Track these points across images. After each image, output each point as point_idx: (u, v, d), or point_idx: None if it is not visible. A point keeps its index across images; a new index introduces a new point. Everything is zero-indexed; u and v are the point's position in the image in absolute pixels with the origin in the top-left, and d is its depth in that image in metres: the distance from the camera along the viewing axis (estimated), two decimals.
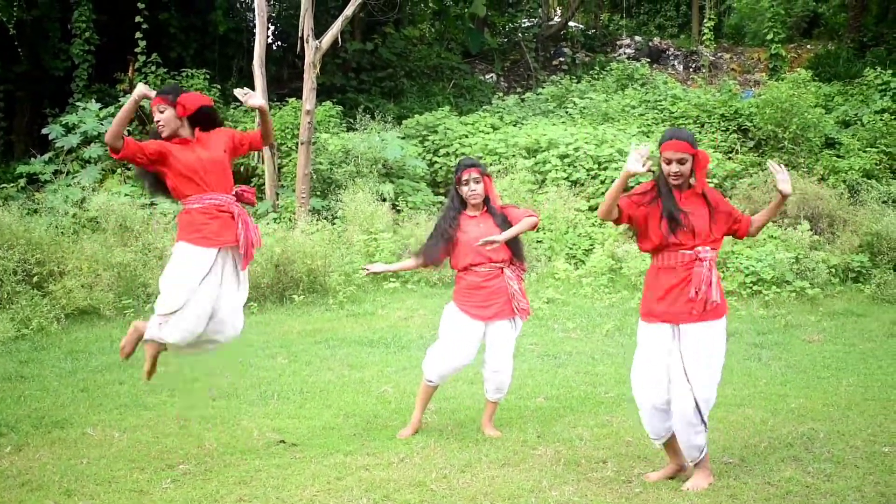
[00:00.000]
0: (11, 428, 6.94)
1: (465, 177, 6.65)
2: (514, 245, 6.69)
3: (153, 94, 5.98)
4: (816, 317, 11.08)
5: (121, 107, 16.05)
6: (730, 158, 16.11)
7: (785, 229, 13.26)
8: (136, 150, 5.85)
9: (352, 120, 18.10)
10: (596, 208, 14.61)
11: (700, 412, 5.37)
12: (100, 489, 5.58)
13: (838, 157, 16.34)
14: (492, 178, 6.86)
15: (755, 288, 11.83)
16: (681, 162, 5.40)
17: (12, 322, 10.45)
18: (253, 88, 16.43)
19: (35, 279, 11.40)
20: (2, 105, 19.33)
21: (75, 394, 8.09)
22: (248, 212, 6.12)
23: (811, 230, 13.21)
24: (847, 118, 18.14)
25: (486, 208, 6.72)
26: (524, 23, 29.44)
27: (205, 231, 5.91)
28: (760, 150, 16.66)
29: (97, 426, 6.96)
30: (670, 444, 5.66)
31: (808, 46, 25.85)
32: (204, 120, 6.10)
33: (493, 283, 6.61)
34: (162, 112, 5.96)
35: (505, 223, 6.63)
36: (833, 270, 12.54)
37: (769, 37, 22.83)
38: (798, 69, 19.76)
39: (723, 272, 12.19)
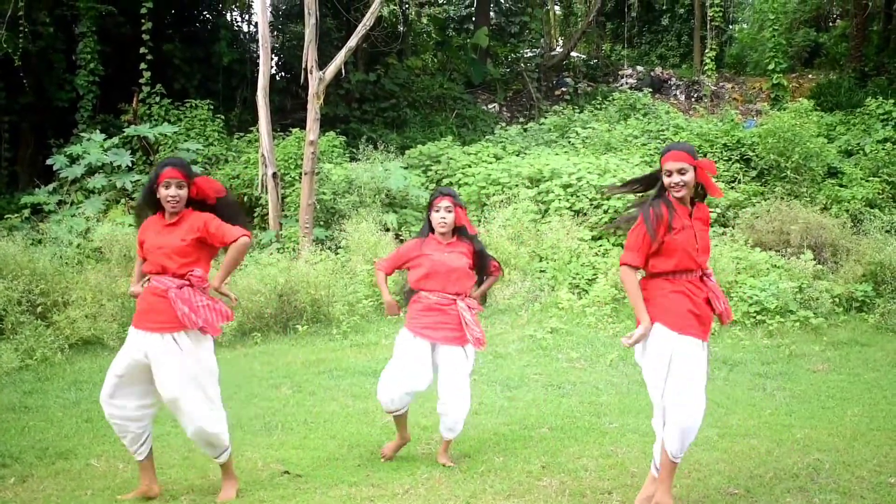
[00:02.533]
0: (15, 459, 6.93)
1: (437, 203, 6.79)
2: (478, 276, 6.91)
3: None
4: (821, 346, 11.06)
5: (126, 140, 16.03)
6: (732, 188, 16.12)
7: (788, 259, 13.25)
8: None
9: (355, 150, 18.16)
10: (599, 238, 14.62)
11: None
12: None
13: (841, 186, 16.36)
14: (465, 210, 6.94)
15: (759, 317, 11.81)
16: (681, 172, 5.40)
17: (16, 352, 10.45)
18: (256, 119, 16.53)
19: (39, 309, 11.41)
20: (6, 136, 19.43)
21: (79, 424, 8.08)
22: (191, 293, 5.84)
23: (814, 259, 13.20)
24: (849, 147, 18.19)
25: (457, 237, 6.84)
26: (526, 53, 29.59)
27: (137, 311, 5.93)
28: (763, 180, 16.67)
29: (101, 457, 6.95)
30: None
31: (810, 76, 25.97)
32: (202, 206, 6.02)
33: (447, 309, 6.67)
34: (180, 188, 5.84)
35: (478, 254, 6.83)
36: (837, 300, 12.52)
37: (771, 66, 22.94)
38: (800, 99, 19.85)
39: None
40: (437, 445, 7.14)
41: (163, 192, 5.81)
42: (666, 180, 5.46)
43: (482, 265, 6.91)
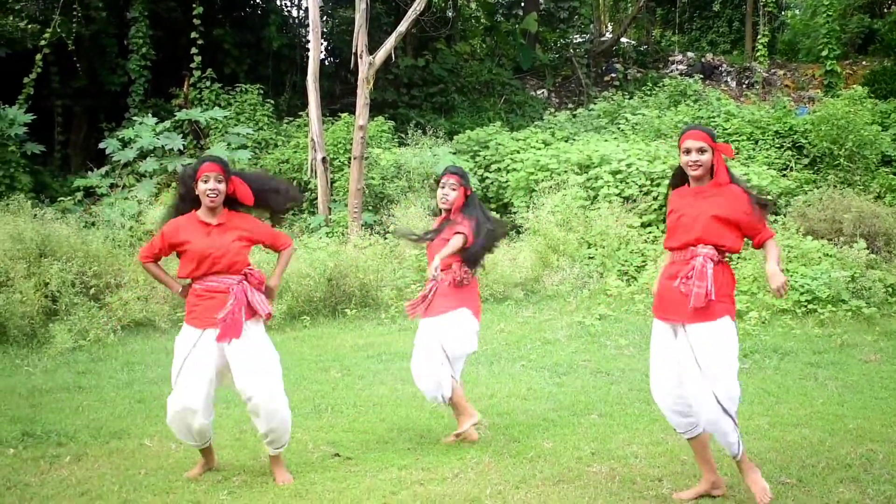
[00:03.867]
0: (70, 438, 7.04)
1: (443, 181, 6.92)
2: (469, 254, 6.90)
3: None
4: (873, 336, 10.91)
5: (177, 124, 16.17)
6: (784, 175, 15.95)
7: (841, 247, 13.09)
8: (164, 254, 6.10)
9: (403, 135, 18.18)
10: (648, 225, 14.53)
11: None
12: (157, 500, 5.63)
13: (895, 174, 16.13)
14: (469, 192, 6.97)
15: (810, 307, 11.68)
16: (700, 151, 5.39)
17: (70, 333, 10.61)
18: (305, 104, 16.60)
19: (92, 291, 11.56)
20: (60, 119, 19.65)
21: (132, 405, 8.18)
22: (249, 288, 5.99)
23: (867, 248, 13.02)
24: None
25: (445, 215, 6.95)
26: (575, 39, 29.45)
27: (195, 312, 5.96)
28: (815, 168, 16.49)
29: (154, 437, 7.04)
30: (702, 455, 5.62)
31: (864, 63, 25.58)
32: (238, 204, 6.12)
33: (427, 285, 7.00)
34: (219, 183, 5.90)
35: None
36: (890, 290, 12.35)
37: (824, 53, 22.64)
38: (853, 86, 19.57)
39: None
40: (486, 430, 7.17)
41: (202, 187, 5.87)
42: (683, 158, 5.46)
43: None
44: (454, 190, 6.84)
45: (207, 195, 5.87)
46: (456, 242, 6.73)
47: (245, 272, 5.96)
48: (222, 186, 5.90)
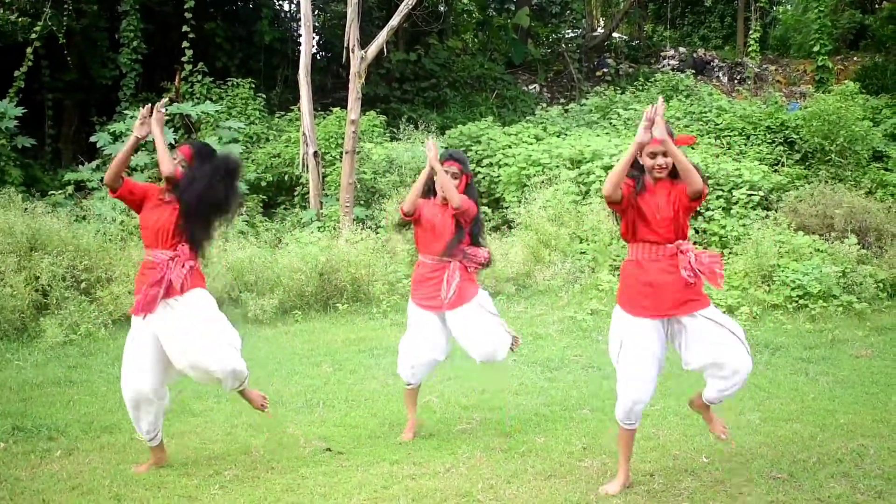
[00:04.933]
0: (61, 432, 7.03)
1: (444, 167, 6.69)
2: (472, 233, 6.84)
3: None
4: (864, 332, 10.94)
5: (168, 117, 16.07)
6: (775, 171, 15.96)
7: (832, 243, 13.11)
8: (126, 192, 6.07)
9: (395, 130, 18.16)
10: None
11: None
12: (149, 494, 5.63)
13: (886, 170, 16.16)
14: (470, 178, 6.86)
15: (801, 302, 11.71)
16: (665, 154, 5.45)
17: (61, 327, 10.58)
18: (297, 98, 16.57)
19: (83, 285, 11.52)
20: (50, 113, 19.57)
21: (123, 399, 8.15)
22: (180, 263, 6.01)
23: (858, 244, 13.04)
24: (895, 131, 17.93)
25: (444, 202, 6.78)
26: (567, 34, 29.43)
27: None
28: (807, 163, 16.50)
29: None
30: (629, 448, 5.76)
31: (855, 58, 25.61)
32: None
33: (437, 275, 6.73)
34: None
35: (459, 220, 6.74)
36: (881, 285, 12.38)
37: (815, 48, 22.64)
38: (845, 81, 19.59)
39: (768, 286, 12.09)
40: (478, 425, 7.18)
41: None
42: (647, 161, 5.53)
43: (459, 228, 6.79)
44: (456, 178, 6.71)
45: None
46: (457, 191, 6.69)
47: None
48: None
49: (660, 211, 5.47)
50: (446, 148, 16.78)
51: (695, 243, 13.59)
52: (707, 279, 5.44)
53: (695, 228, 13.97)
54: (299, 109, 16.54)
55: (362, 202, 15.68)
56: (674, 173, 5.46)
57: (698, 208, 6.11)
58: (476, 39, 27.70)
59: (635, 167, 5.56)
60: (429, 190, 6.83)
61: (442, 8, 24.33)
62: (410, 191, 6.77)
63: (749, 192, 14.36)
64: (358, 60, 15.19)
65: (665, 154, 5.43)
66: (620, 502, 5.42)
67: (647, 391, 5.57)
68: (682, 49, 27.89)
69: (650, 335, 5.52)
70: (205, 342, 5.84)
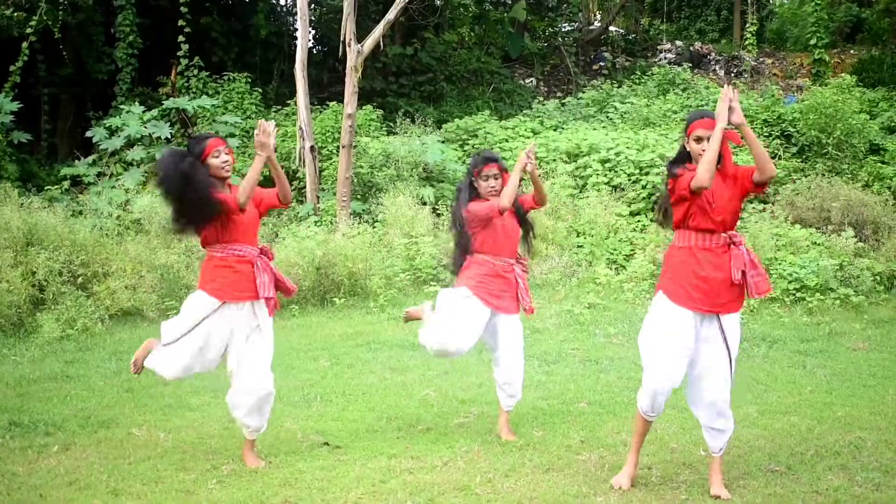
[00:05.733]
0: (58, 427, 7.02)
1: (485, 171, 6.61)
2: (526, 229, 6.80)
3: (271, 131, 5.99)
4: (861, 325, 10.95)
5: (164, 112, 16.09)
6: None
7: (829, 236, 13.12)
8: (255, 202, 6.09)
9: (392, 124, 18.13)
10: (637, 213, 14.51)
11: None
12: (146, 489, 5.62)
13: (883, 163, 16.16)
14: (508, 173, 6.76)
15: (798, 295, 11.72)
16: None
17: (58, 322, 10.56)
18: (293, 92, 16.54)
19: (80, 280, 11.51)
20: (46, 108, 19.52)
21: (120, 394, 8.16)
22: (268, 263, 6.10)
23: (855, 237, 13.05)
24: (892, 124, 17.93)
25: None
26: (564, 27, 29.37)
27: (219, 282, 5.97)
28: (804, 156, 16.50)
29: (142, 427, 7.02)
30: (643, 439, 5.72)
31: (852, 52, 25.59)
32: None
33: (508, 276, 6.64)
34: (228, 154, 5.97)
35: (523, 220, 6.77)
36: (878, 278, 12.40)
37: (812, 42, 22.63)
38: (841, 74, 19.57)
39: None
40: (476, 419, 7.17)
41: (214, 162, 5.89)
42: (695, 147, 5.39)
43: (528, 226, 6.86)
44: (498, 179, 6.61)
45: (223, 168, 5.93)
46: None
47: (261, 247, 6.07)
48: (231, 157, 5.97)
49: (715, 198, 5.38)
50: (443, 142, 16.80)
51: None
52: (754, 287, 5.38)
53: None
54: (296, 104, 16.50)
55: (359, 196, 15.66)
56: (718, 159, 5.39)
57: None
58: (472, 33, 27.64)
59: (682, 156, 5.52)
60: (472, 191, 6.72)
61: (438, 2, 24.28)
62: (509, 188, 6.52)
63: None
64: (354, 54, 15.16)
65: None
66: (617, 496, 5.41)
67: (673, 381, 5.47)
68: (678, 42, 27.86)
69: (687, 326, 5.41)
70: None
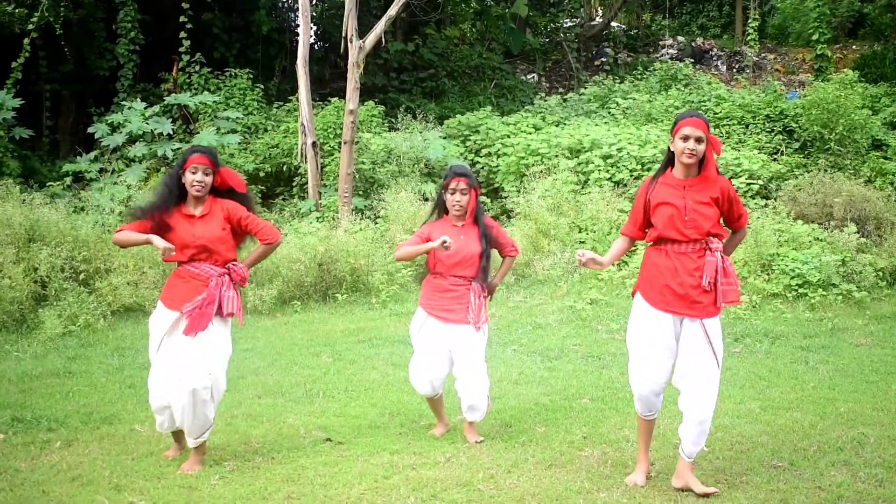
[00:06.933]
0: (61, 423, 7.02)
1: (452, 185, 6.51)
2: (484, 263, 6.61)
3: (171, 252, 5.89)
4: (863, 320, 10.94)
5: (166, 108, 16.05)
6: (775, 160, 15.94)
7: (831, 231, 13.11)
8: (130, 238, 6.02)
9: (393, 120, 18.13)
10: None
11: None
12: (149, 485, 5.61)
13: (885, 158, 16.14)
14: (479, 192, 6.69)
15: (801, 290, 11.70)
16: (699, 140, 5.31)
17: (60, 319, 10.56)
18: (295, 88, 16.54)
19: (82, 276, 11.51)
20: (48, 104, 19.54)
21: (122, 390, 8.16)
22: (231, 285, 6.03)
23: (858, 232, 13.03)
24: (894, 120, 17.89)
25: (472, 219, 6.59)
26: (566, 23, 29.31)
27: (172, 293, 5.98)
28: (806, 152, 16.48)
29: (145, 423, 7.01)
30: (649, 438, 5.69)
31: (854, 47, 25.55)
32: (227, 195, 6.13)
33: (460, 291, 6.53)
34: (206, 175, 5.92)
35: (487, 240, 6.58)
36: (880, 273, 12.38)
37: (814, 37, 22.58)
38: (844, 70, 19.54)
39: (767, 274, 12.08)
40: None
41: (189, 177, 5.92)
42: (680, 145, 5.36)
43: (494, 248, 6.72)
44: (465, 194, 6.50)
45: (193, 185, 5.91)
46: (513, 259, 6.92)
47: (229, 266, 6.00)
48: (208, 179, 5.95)
49: (688, 212, 5.36)
50: (445, 138, 16.78)
51: None
52: (723, 296, 5.37)
53: None
54: (297, 100, 16.51)
55: (361, 192, 15.66)
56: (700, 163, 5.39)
57: None
58: (474, 29, 27.61)
59: (668, 159, 5.52)
60: (441, 209, 6.64)
61: None
62: (409, 250, 6.55)
63: (748, 181, 14.35)
64: (356, 50, 15.16)
65: (699, 140, 5.32)
66: (620, 492, 5.40)
67: (657, 382, 5.44)
68: (680, 38, 27.82)
69: (665, 328, 5.40)
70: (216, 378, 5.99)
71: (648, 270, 5.53)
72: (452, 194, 6.52)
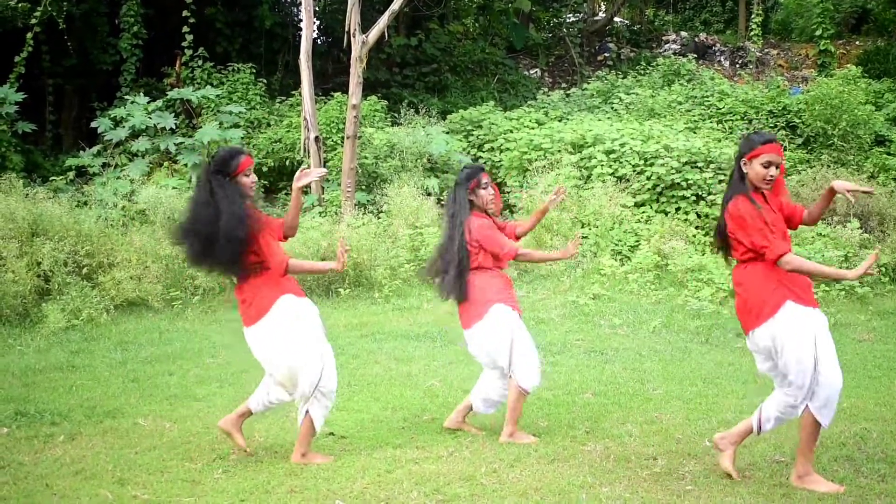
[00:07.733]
0: (64, 417, 7.04)
1: (484, 180, 6.54)
2: None
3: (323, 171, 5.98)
4: (866, 316, 10.94)
5: (169, 103, 16.06)
6: None
7: (834, 227, 13.11)
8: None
9: (396, 115, 18.13)
10: (642, 205, 14.48)
11: None
12: (152, 479, 5.63)
13: (889, 154, 16.13)
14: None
15: None
16: (777, 167, 5.31)
17: (63, 313, 10.58)
18: (298, 83, 16.53)
19: (85, 271, 11.52)
20: (51, 98, 19.53)
21: (126, 384, 8.18)
22: None
23: (861, 228, 13.03)
24: None
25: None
26: (569, 18, 29.28)
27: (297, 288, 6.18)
28: (809, 147, 16.48)
29: (148, 416, 7.03)
30: None
31: (857, 42, 25.51)
32: None
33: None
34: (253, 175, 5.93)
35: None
36: (883, 269, 12.37)
37: (817, 32, 22.57)
38: (847, 65, 19.53)
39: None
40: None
41: (246, 181, 5.84)
42: (761, 171, 5.29)
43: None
44: (491, 185, 6.64)
45: (252, 188, 5.85)
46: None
47: None
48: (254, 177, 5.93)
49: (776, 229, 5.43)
50: (448, 133, 16.78)
51: (697, 227, 13.62)
52: None
53: (697, 213, 13.97)
54: (300, 94, 16.50)
55: (364, 187, 15.66)
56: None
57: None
58: (477, 24, 27.58)
59: (738, 183, 5.42)
60: (471, 208, 6.59)
61: None
62: (529, 226, 6.88)
63: None
64: (359, 45, 15.15)
65: (778, 166, 5.29)
66: (623, 486, 5.41)
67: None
68: (683, 33, 27.79)
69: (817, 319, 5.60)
70: None
71: (770, 280, 5.57)
72: (486, 189, 6.55)
